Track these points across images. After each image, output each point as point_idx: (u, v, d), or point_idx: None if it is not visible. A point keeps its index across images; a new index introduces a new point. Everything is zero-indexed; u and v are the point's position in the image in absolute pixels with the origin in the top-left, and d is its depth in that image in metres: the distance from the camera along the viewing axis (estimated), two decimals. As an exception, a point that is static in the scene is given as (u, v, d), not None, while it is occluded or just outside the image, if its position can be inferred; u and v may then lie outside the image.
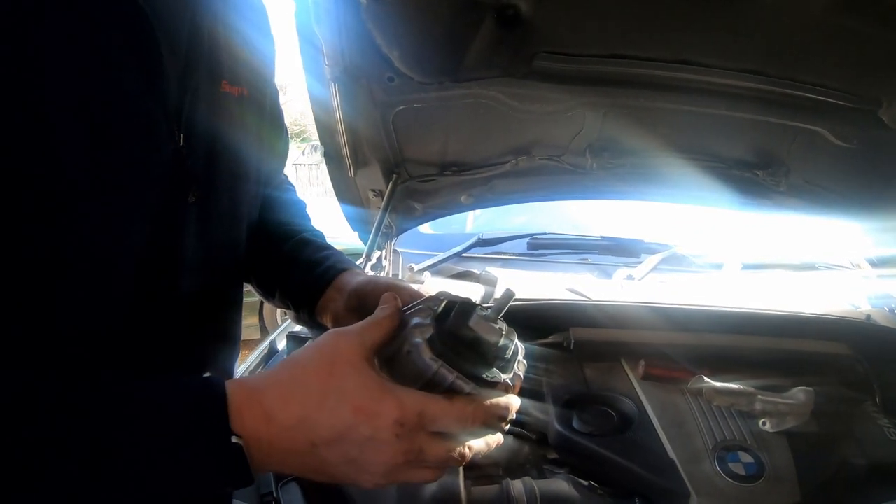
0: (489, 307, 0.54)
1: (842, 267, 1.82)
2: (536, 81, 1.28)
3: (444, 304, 0.56)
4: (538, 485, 0.89)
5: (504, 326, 0.54)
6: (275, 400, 0.47)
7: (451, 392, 0.50)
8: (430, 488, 0.85)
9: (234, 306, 0.81)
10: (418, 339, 0.51)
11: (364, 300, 0.72)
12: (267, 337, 1.52)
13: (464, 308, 0.54)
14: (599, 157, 1.44)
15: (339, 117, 1.34)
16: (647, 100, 1.32)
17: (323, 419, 0.46)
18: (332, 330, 0.53)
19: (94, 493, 0.43)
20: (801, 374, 1.12)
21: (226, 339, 0.79)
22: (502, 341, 0.53)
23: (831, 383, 1.16)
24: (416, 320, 0.54)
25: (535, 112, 1.37)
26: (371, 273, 1.17)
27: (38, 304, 0.51)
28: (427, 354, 0.50)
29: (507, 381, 0.53)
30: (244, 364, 1.36)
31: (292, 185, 1.05)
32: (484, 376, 0.52)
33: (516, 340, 0.56)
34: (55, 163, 0.48)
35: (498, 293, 1.39)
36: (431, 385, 0.50)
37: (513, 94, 1.31)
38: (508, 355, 0.55)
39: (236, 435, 0.44)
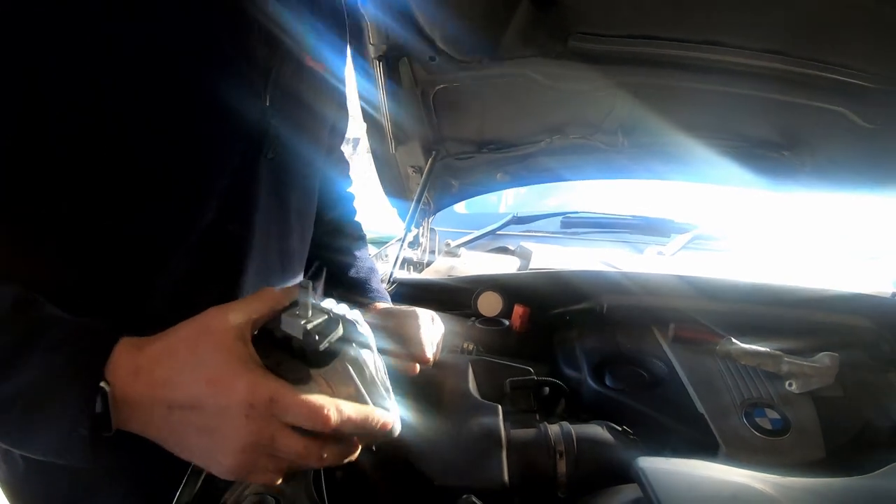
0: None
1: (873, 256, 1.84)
2: (570, 61, 1.34)
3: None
4: (574, 429, 0.95)
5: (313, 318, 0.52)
6: (146, 358, 0.50)
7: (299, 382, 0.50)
8: (473, 430, 0.91)
9: (299, 258, 0.89)
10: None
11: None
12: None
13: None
14: (630, 135, 1.50)
15: (381, 95, 1.42)
16: (675, 79, 1.36)
17: (182, 384, 0.49)
18: (214, 306, 0.53)
19: None
20: (826, 344, 1.15)
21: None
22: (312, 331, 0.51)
23: (856, 354, 1.19)
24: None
25: (569, 91, 1.43)
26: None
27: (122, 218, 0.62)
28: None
29: (321, 375, 0.51)
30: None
31: (347, 162, 1.13)
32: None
33: (339, 328, 0.52)
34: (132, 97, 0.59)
35: (533, 265, 1.45)
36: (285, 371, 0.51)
37: (547, 73, 1.37)
38: (323, 345, 0.51)
39: (106, 381, 0.48)
